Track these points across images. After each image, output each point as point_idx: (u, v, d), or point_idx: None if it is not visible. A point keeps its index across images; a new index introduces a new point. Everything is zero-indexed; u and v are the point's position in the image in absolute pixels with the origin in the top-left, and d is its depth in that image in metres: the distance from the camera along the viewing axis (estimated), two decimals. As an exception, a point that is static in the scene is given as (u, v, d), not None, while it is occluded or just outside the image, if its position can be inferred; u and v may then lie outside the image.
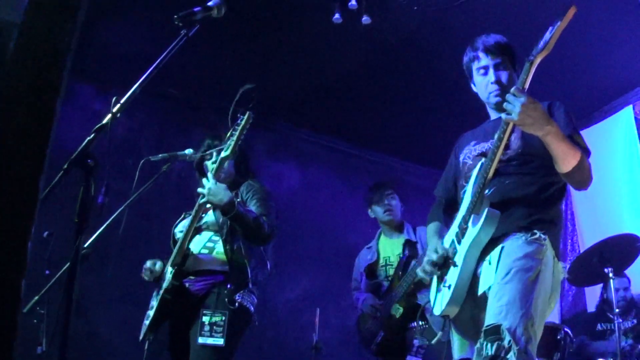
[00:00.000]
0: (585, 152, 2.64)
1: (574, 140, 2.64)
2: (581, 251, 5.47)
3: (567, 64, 5.44)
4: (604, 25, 5.11)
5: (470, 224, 2.68)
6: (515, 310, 2.38)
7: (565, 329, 4.47)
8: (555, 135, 2.53)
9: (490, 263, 2.59)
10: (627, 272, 5.11)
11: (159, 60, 2.21)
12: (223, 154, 3.36)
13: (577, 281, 5.10)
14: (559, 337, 4.40)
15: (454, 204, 3.04)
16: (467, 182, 2.89)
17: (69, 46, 1.18)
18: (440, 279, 2.79)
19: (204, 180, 3.42)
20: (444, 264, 2.76)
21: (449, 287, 2.68)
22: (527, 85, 2.57)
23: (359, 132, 7.20)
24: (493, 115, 2.99)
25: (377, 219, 4.95)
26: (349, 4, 4.82)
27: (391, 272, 4.67)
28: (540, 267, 2.52)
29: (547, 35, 2.50)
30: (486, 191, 2.72)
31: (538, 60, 2.55)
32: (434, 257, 2.79)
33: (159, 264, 3.56)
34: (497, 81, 2.86)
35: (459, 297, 2.66)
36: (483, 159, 2.78)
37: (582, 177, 2.63)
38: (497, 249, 2.60)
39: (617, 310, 4.43)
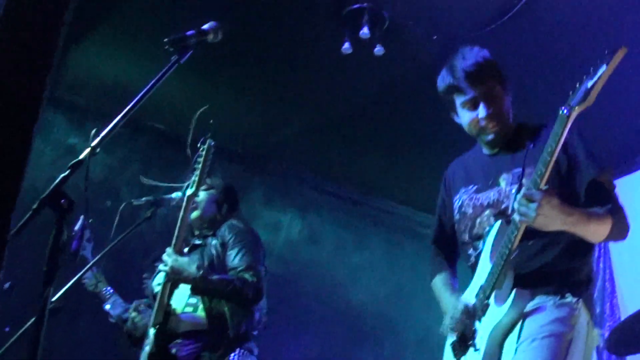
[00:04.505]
0: (615, 204, 2.57)
1: (601, 186, 2.55)
2: (621, 316, 5.36)
3: (608, 105, 5.42)
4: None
5: (492, 300, 2.57)
6: None
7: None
8: (578, 223, 2.45)
9: (512, 332, 2.52)
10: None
11: (146, 88, 2.19)
12: (188, 192, 3.37)
13: (618, 350, 4.98)
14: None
15: (455, 254, 3.02)
16: (472, 238, 2.81)
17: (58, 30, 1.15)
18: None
19: (164, 255, 3.38)
20: (467, 327, 2.64)
21: None
22: (558, 150, 2.34)
23: (367, 177, 7.16)
24: (487, 149, 2.92)
25: None
26: (361, 32, 4.82)
27: None
28: (572, 335, 2.45)
29: (589, 82, 2.24)
30: None
31: (576, 113, 2.30)
32: (458, 315, 2.66)
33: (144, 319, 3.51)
34: (490, 115, 2.75)
35: None
36: (499, 220, 2.68)
37: (616, 236, 2.58)
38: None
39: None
